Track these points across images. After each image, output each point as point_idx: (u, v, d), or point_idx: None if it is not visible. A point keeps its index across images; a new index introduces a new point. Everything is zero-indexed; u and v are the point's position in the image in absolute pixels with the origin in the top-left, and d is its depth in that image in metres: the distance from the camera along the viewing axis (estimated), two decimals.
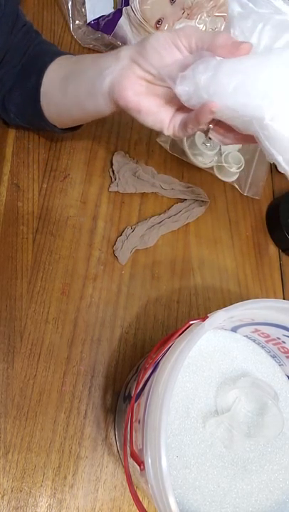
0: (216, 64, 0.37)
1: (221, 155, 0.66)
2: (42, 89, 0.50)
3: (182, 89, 0.38)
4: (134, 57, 0.41)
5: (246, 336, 0.50)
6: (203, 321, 0.37)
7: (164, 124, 0.44)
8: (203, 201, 0.65)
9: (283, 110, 0.36)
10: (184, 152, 0.65)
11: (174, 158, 0.67)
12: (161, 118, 0.43)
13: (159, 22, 0.64)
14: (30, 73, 0.51)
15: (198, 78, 0.37)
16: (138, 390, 0.38)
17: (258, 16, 0.39)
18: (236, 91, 0.36)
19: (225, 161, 0.66)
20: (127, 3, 0.65)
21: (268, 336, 0.48)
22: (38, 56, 0.52)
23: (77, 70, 0.48)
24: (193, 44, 0.39)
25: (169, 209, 0.64)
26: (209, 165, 0.66)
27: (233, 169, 0.66)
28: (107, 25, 0.68)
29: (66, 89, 0.48)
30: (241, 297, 0.63)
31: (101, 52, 0.71)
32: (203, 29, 0.64)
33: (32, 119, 0.55)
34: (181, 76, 0.38)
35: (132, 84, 0.42)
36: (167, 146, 0.66)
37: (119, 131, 0.66)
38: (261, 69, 0.36)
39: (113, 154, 0.63)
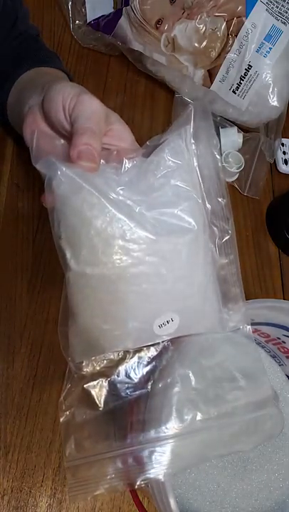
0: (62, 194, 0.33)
1: (220, 155, 0.66)
2: (9, 99, 0.51)
3: (39, 168, 0.35)
4: (42, 100, 0.39)
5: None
6: None
7: None
8: None
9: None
10: None
11: None
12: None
13: (159, 22, 0.64)
14: (6, 79, 0.51)
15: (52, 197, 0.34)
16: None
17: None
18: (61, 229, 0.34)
19: (225, 161, 0.66)
20: (127, 3, 0.65)
21: (268, 336, 0.48)
22: (20, 64, 0.51)
23: (24, 89, 0.48)
24: (70, 117, 0.36)
25: None
26: None
27: (233, 169, 0.66)
28: (107, 25, 0.68)
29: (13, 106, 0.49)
30: None
31: (101, 52, 0.71)
32: (203, 29, 0.64)
33: (4, 122, 0.55)
34: (46, 161, 0.34)
35: (35, 120, 0.39)
36: None
37: None
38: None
39: None
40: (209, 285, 0.37)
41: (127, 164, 0.36)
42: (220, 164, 0.37)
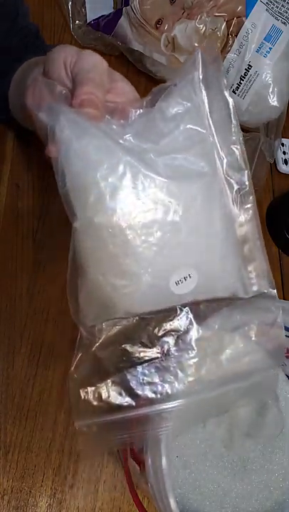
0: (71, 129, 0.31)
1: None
2: (10, 90, 0.50)
3: (42, 117, 0.33)
4: (44, 66, 0.39)
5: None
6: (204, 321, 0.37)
7: None
8: None
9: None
10: None
11: None
12: None
13: (159, 22, 0.64)
14: (7, 74, 0.50)
15: (53, 127, 0.31)
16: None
17: None
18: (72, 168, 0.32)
19: None
20: (127, 3, 0.65)
21: None
22: (22, 56, 0.51)
23: (25, 71, 0.47)
24: (72, 73, 0.35)
25: None
26: None
27: None
28: (107, 25, 0.68)
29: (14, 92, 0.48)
30: None
31: (101, 52, 0.71)
32: (203, 29, 0.64)
33: (7, 120, 0.54)
34: (48, 107, 0.33)
35: (35, 87, 0.39)
36: None
37: None
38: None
39: None
40: (228, 241, 0.35)
41: (134, 114, 0.34)
42: (232, 108, 0.35)
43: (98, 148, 0.31)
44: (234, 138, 0.35)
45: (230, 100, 0.35)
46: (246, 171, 0.36)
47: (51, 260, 0.56)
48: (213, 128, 0.35)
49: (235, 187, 0.36)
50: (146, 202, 0.31)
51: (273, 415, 0.45)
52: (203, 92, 0.34)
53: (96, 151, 0.31)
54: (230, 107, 0.35)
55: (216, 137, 0.35)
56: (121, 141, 0.32)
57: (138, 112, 0.34)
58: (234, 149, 0.35)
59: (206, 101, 0.34)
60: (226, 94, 0.34)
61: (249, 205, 0.36)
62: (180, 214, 0.32)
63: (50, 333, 0.52)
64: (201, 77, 0.34)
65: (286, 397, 0.49)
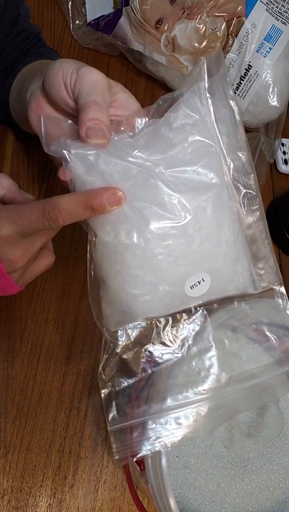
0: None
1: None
2: (11, 93, 0.50)
3: (53, 151, 0.35)
4: (43, 82, 0.39)
5: (246, 336, 0.50)
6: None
7: None
8: None
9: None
10: None
11: None
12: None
13: (159, 22, 0.64)
14: (8, 75, 0.51)
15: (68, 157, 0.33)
16: (138, 389, 0.38)
17: None
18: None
19: None
20: (127, 3, 0.65)
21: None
22: (22, 59, 0.51)
23: (25, 78, 0.47)
24: (73, 93, 0.36)
25: None
26: None
27: None
28: (107, 25, 0.68)
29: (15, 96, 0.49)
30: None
31: (101, 52, 0.71)
32: (203, 29, 0.64)
33: (7, 120, 0.55)
34: (57, 143, 0.34)
35: (39, 105, 0.40)
36: None
37: None
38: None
39: None
40: (237, 244, 0.36)
41: (140, 124, 0.35)
42: (237, 117, 0.35)
43: (110, 174, 0.33)
44: (240, 145, 0.36)
45: (236, 109, 0.35)
46: (252, 175, 0.36)
47: None
48: (220, 138, 0.36)
49: (243, 190, 0.36)
50: (160, 217, 0.33)
51: (273, 415, 0.45)
52: (209, 101, 0.35)
53: (108, 177, 0.33)
54: (236, 115, 0.35)
55: (222, 146, 0.36)
56: (131, 159, 0.33)
57: (144, 120, 0.35)
58: (240, 155, 0.36)
59: (212, 110, 0.35)
60: (232, 104, 0.35)
61: (256, 207, 0.37)
62: (192, 225, 0.33)
63: (50, 333, 0.52)
64: (206, 85, 0.35)
65: (286, 397, 0.49)
